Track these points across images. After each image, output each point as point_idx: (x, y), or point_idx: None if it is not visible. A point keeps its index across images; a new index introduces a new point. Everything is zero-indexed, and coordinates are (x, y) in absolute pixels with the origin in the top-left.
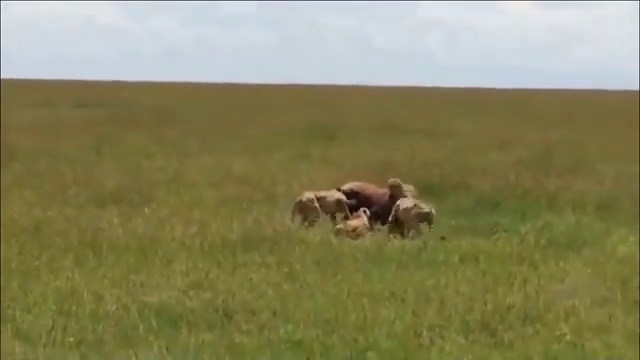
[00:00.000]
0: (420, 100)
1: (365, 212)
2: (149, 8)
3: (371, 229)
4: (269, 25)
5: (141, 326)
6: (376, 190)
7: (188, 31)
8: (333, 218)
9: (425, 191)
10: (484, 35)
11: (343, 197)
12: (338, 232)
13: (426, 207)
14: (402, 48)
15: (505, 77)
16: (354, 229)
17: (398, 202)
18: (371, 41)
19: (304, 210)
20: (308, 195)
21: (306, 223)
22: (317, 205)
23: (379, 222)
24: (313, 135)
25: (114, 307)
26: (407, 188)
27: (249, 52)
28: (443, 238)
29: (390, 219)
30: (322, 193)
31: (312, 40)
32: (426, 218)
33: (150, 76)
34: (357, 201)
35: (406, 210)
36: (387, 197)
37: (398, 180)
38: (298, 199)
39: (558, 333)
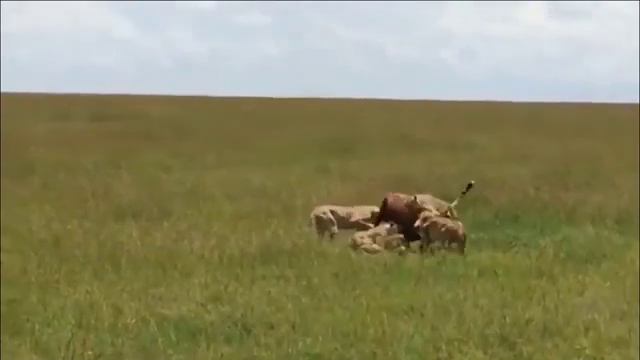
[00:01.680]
0: (437, 113)
1: (392, 225)
2: (164, 20)
3: (392, 245)
4: (285, 37)
5: (160, 339)
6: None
7: (204, 43)
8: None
9: None
10: (500, 47)
11: (355, 212)
12: (353, 246)
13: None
14: (419, 60)
15: (522, 89)
16: (367, 243)
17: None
18: (388, 54)
19: (319, 223)
20: (321, 208)
21: (318, 234)
22: (331, 217)
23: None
24: (331, 148)
25: (133, 320)
26: (427, 199)
27: (265, 64)
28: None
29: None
30: (333, 207)
31: (328, 52)
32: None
33: (166, 89)
34: (385, 214)
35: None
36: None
37: (412, 198)
38: (312, 213)
39: (577, 347)
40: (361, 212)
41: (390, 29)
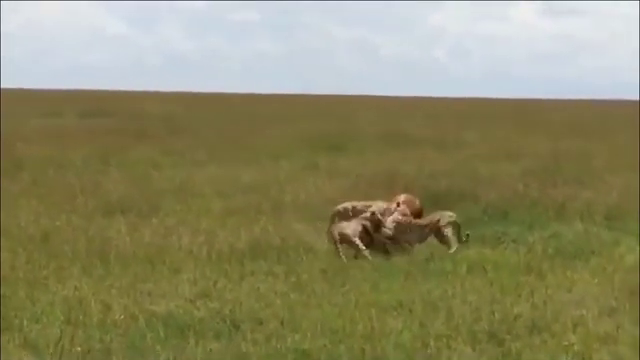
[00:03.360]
0: (428, 110)
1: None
2: (156, 17)
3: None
4: (277, 35)
5: (149, 335)
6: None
7: (195, 40)
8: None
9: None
10: (493, 45)
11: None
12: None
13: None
14: (411, 58)
15: (513, 87)
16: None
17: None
18: (379, 51)
19: (339, 218)
20: (345, 205)
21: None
22: (351, 214)
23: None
24: (321, 145)
25: (121, 316)
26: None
27: (257, 62)
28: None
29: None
30: (355, 203)
31: (320, 50)
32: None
33: (157, 85)
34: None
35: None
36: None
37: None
38: (335, 209)
39: (566, 343)
40: (378, 208)
41: (383, 27)
